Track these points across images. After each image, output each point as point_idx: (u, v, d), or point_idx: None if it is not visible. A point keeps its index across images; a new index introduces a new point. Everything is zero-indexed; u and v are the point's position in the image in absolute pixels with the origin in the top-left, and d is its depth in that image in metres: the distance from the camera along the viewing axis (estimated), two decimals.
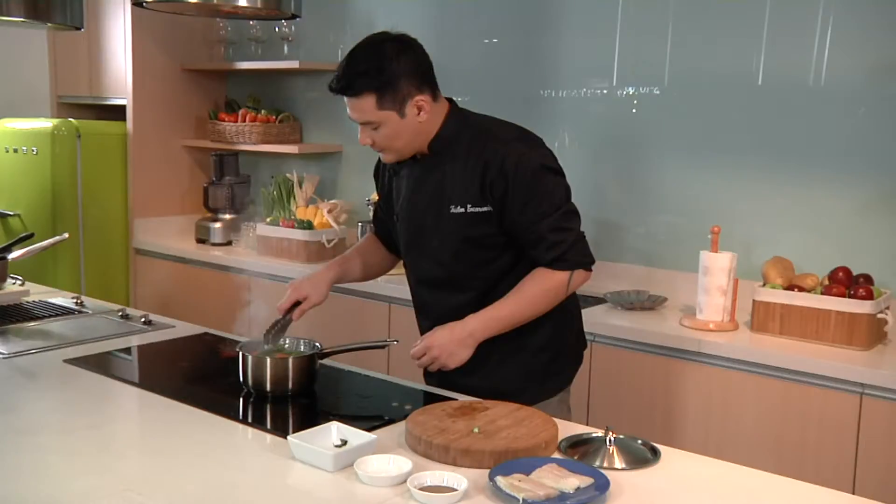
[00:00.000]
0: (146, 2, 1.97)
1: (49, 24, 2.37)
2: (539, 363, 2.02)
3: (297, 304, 2.06)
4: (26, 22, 2.35)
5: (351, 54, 1.85)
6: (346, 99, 1.86)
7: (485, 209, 1.89)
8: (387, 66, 1.82)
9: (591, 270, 1.95)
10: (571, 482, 1.43)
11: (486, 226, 1.90)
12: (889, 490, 2.27)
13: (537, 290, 1.90)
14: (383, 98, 1.83)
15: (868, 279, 2.56)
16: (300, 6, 2.05)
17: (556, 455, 1.60)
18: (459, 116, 1.96)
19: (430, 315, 2.04)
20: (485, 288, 1.95)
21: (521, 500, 1.36)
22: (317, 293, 2.07)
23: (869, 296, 2.43)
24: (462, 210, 1.90)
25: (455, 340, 1.89)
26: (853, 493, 2.05)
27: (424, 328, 2.06)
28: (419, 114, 1.87)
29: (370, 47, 1.86)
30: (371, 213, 3.46)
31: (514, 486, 1.40)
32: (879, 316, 2.45)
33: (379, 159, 2.11)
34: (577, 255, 1.90)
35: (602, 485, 1.43)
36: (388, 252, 2.24)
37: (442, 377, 2.00)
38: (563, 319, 2.04)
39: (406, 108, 1.86)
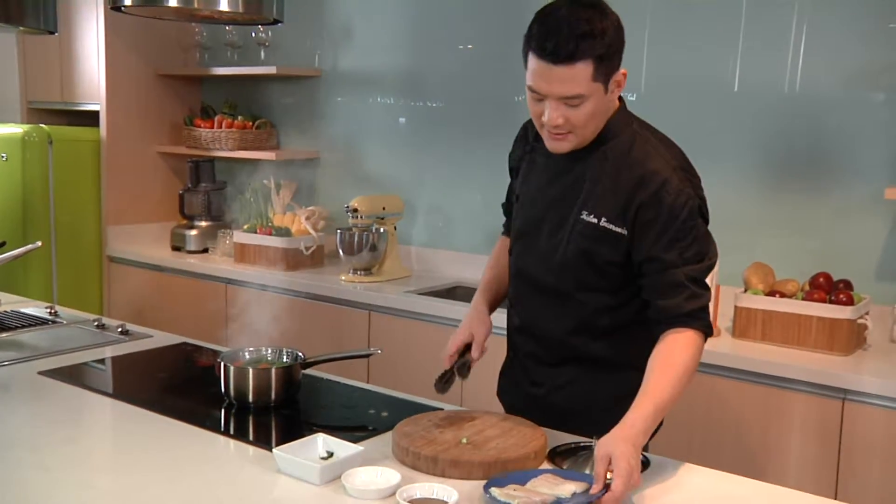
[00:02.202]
0: (124, 6, 1.93)
1: (21, 28, 2.32)
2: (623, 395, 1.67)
3: (467, 346, 1.81)
4: None
5: (567, 15, 1.56)
6: (548, 67, 1.56)
7: (618, 230, 1.65)
8: (608, 30, 1.56)
9: None
10: (568, 487, 1.42)
11: (611, 249, 1.67)
12: (871, 495, 2.28)
13: (687, 360, 1.57)
14: (600, 67, 1.56)
15: (848, 285, 2.58)
16: (282, 11, 2.02)
17: (546, 465, 1.59)
18: (626, 116, 1.72)
19: (522, 314, 1.85)
20: (582, 314, 1.73)
21: None
22: (483, 324, 1.83)
23: (850, 301, 2.45)
24: (594, 221, 1.67)
25: (636, 456, 1.45)
26: (835, 499, 2.06)
27: (513, 325, 1.88)
28: (615, 91, 1.64)
29: (586, 9, 1.57)
30: (349, 219, 3.44)
31: (508, 495, 1.39)
32: (860, 321, 2.47)
33: (521, 130, 1.87)
34: (709, 319, 1.64)
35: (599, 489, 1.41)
36: None
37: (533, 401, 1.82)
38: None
39: (610, 83, 1.61)
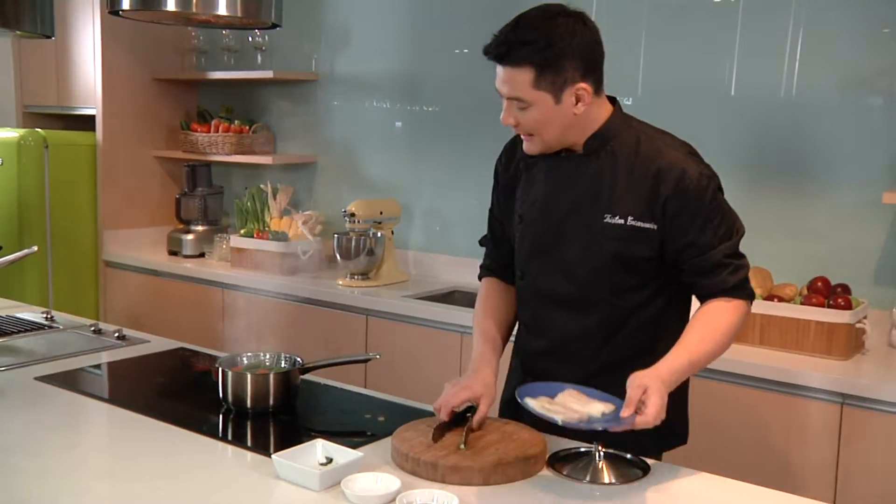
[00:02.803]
0: (122, 10, 1.93)
1: (18, 32, 2.31)
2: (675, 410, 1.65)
3: (470, 408, 1.70)
4: None
5: (519, 19, 1.62)
6: (498, 68, 1.63)
7: (648, 226, 1.64)
8: (556, 41, 1.59)
9: None
10: (596, 407, 1.50)
11: (642, 246, 1.66)
12: (870, 500, 2.28)
13: (729, 323, 1.63)
14: (542, 76, 1.59)
15: (846, 289, 2.58)
16: (280, 15, 2.02)
17: (546, 469, 1.58)
18: (623, 118, 1.72)
19: (547, 335, 1.78)
20: (614, 318, 1.71)
21: (560, 421, 1.45)
22: (489, 396, 1.70)
23: (848, 305, 2.45)
24: (621, 222, 1.65)
25: (665, 396, 1.51)
26: None
27: (535, 349, 1.81)
28: (577, 104, 1.63)
29: (542, 17, 1.62)
30: (347, 224, 3.43)
31: (547, 409, 1.44)
32: (858, 325, 2.47)
33: (504, 150, 1.87)
34: (750, 286, 1.69)
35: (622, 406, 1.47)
36: (510, 290, 1.89)
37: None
38: (687, 380, 1.79)
39: (564, 95, 1.61)
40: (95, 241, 4.17)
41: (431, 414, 1.85)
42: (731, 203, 2.91)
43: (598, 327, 1.73)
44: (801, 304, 2.52)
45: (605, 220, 1.67)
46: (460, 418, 1.70)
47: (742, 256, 1.69)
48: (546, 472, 1.58)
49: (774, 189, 2.90)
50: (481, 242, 1.98)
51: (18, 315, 2.68)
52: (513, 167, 1.83)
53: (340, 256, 3.46)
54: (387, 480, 1.46)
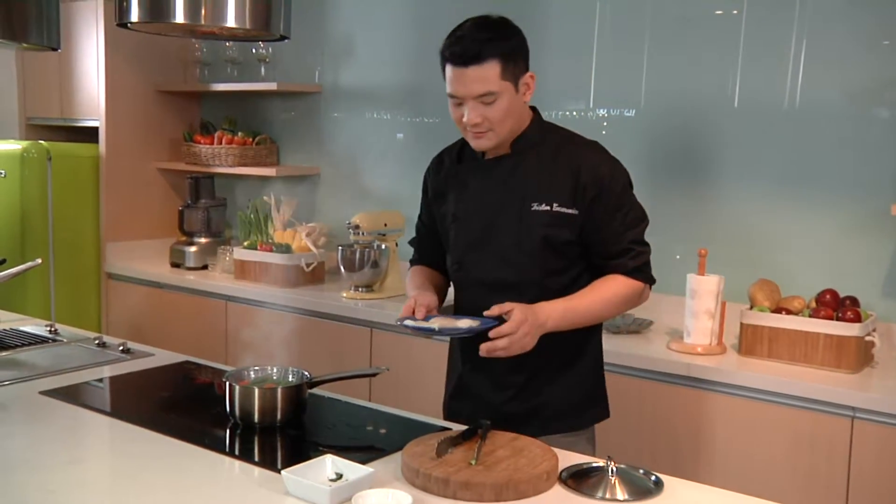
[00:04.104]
0: (130, 22, 1.92)
1: (24, 45, 2.30)
2: (583, 389, 1.98)
3: (480, 424, 1.75)
4: (1, 43, 2.28)
5: (473, 25, 1.80)
6: (461, 70, 1.78)
7: (571, 211, 1.85)
8: (511, 34, 1.81)
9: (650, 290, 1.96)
10: (464, 321, 1.77)
11: (566, 230, 1.86)
12: None
13: (616, 292, 1.87)
14: (507, 66, 1.78)
15: (854, 301, 2.56)
16: (289, 27, 2.01)
17: (558, 485, 1.57)
18: (543, 122, 1.95)
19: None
20: (544, 298, 1.84)
21: (437, 328, 1.74)
22: (430, 294, 1.93)
23: (857, 318, 2.44)
24: (547, 208, 1.85)
25: (535, 326, 1.75)
26: None
27: (463, 339, 1.96)
28: (525, 93, 1.85)
29: (489, 19, 1.82)
30: (350, 236, 3.42)
31: (422, 323, 1.75)
32: (867, 338, 2.45)
33: (432, 164, 2.08)
34: (650, 271, 1.92)
35: (487, 322, 1.73)
36: (437, 272, 2.11)
37: (476, 405, 1.94)
38: (600, 348, 2.03)
39: (519, 84, 1.82)
40: (98, 252, 4.16)
41: (441, 428, 1.84)
42: (733, 214, 2.95)
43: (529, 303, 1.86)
44: (810, 316, 2.51)
45: (533, 208, 1.86)
46: (466, 434, 1.68)
47: (645, 244, 1.91)
48: (558, 488, 1.56)
49: (779, 200, 2.89)
50: (410, 243, 2.21)
51: (22, 328, 2.66)
52: (443, 174, 2.03)
53: (344, 269, 3.44)
54: (398, 496, 1.44)
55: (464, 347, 2.00)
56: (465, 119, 1.82)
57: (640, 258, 1.88)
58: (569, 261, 1.90)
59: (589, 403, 2.00)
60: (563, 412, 1.95)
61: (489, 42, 1.76)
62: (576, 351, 1.95)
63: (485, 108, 1.80)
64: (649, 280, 1.92)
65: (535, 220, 1.86)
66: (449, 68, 1.81)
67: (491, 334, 1.71)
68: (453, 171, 2.00)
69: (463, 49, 1.77)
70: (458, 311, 1.99)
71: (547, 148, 1.89)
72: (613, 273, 1.88)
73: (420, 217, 2.14)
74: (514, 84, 1.81)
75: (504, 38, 1.79)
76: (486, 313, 1.75)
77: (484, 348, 1.72)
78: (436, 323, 1.79)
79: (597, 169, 1.85)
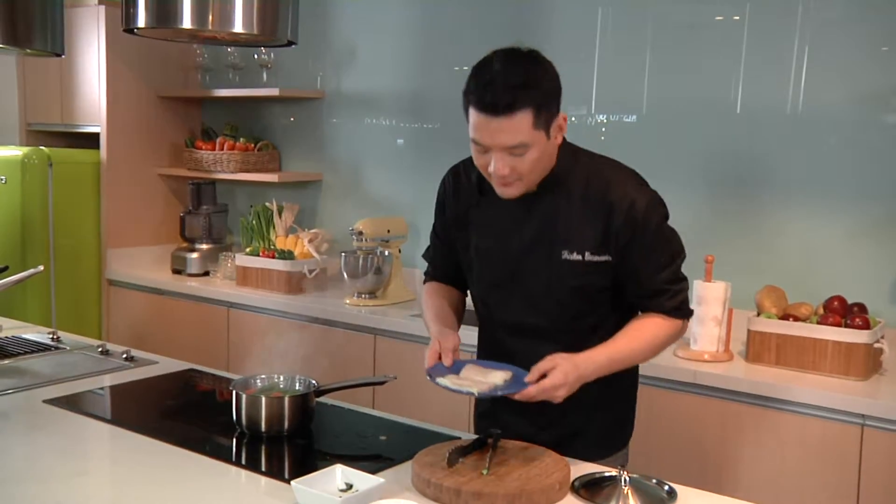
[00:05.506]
0: (137, 28, 1.90)
1: (28, 50, 2.29)
2: (621, 413, 1.92)
3: (490, 433, 1.72)
4: (4, 48, 2.27)
5: (501, 70, 1.59)
6: (489, 119, 1.59)
7: (604, 258, 1.72)
8: (545, 76, 1.63)
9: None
10: (498, 374, 1.65)
11: (600, 276, 1.73)
12: None
13: (657, 334, 1.75)
14: (539, 115, 1.60)
15: (862, 308, 2.55)
16: (296, 33, 1.99)
17: (571, 495, 1.55)
18: (570, 150, 1.76)
19: (513, 361, 1.78)
20: (575, 340, 1.74)
21: (476, 393, 1.60)
22: (453, 336, 1.77)
23: (866, 325, 2.42)
24: (579, 258, 1.71)
25: (577, 381, 1.63)
26: None
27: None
28: (557, 136, 1.68)
29: (521, 57, 1.63)
30: (353, 242, 3.40)
31: (460, 383, 1.59)
32: (876, 346, 2.44)
33: (448, 181, 1.90)
34: (688, 306, 1.80)
35: (521, 374, 1.63)
36: (455, 290, 1.98)
37: (506, 432, 1.73)
38: (637, 370, 1.95)
39: (552, 128, 1.65)
40: (99, 259, 4.14)
41: (450, 437, 1.82)
42: (738, 221, 2.94)
43: (558, 350, 1.72)
44: (818, 323, 2.49)
45: (564, 257, 1.73)
46: (477, 443, 1.67)
47: (682, 280, 1.78)
48: (571, 498, 1.55)
49: (784, 206, 2.88)
50: (425, 256, 2.05)
51: (24, 336, 2.64)
52: (462, 201, 1.86)
53: (348, 275, 3.42)
54: None
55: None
56: (490, 169, 1.65)
57: (678, 297, 1.76)
58: (600, 301, 1.78)
59: (626, 425, 1.94)
60: (601, 437, 1.85)
61: (523, 90, 1.58)
62: (614, 380, 1.78)
63: (513, 159, 1.63)
64: (687, 315, 1.80)
65: (566, 269, 1.73)
66: (474, 113, 1.61)
67: (532, 391, 1.59)
68: (474, 201, 1.83)
69: (493, 98, 1.57)
70: (482, 348, 1.91)
71: (576, 183, 1.73)
72: (650, 312, 1.76)
73: (434, 229, 2.00)
74: (547, 131, 1.64)
75: (538, 84, 1.60)
76: (527, 379, 1.61)
77: (520, 398, 1.61)
78: (469, 380, 1.64)
79: (631, 209, 1.69)
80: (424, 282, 2.03)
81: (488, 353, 1.87)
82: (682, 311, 1.78)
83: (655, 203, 1.74)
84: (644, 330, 1.76)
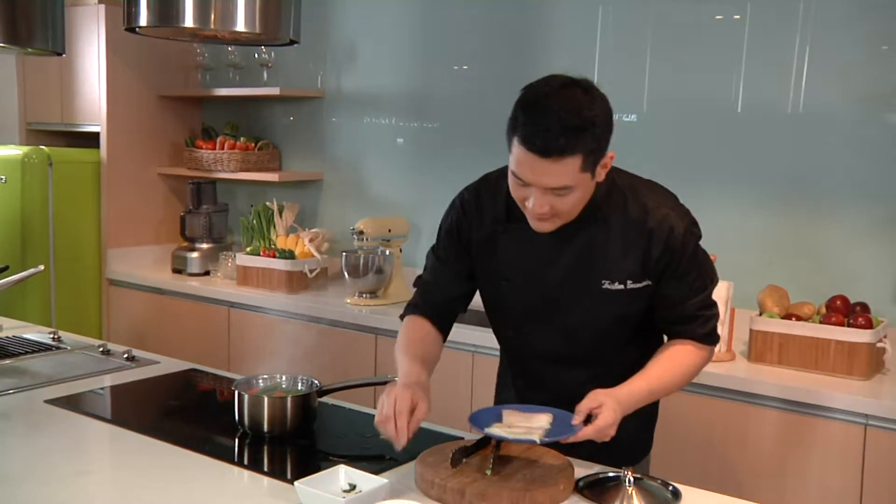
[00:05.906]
0: (139, 27, 1.90)
1: (29, 49, 2.28)
2: (649, 422, 1.91)
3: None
4: (5, 47, 2.26)
5: (559, 111, 1.49)
6: (537, 160, 1.50)
7: (645, 284, 1.68)
8: (600, 116, 1.53)
9: None
10: (541, 418, 1.61)
11: (640, 302, 1.70)
12: None
13: (692, 362, 1.72)
14: (589, 159, 1.52)
15: (865, 307, 2.55)
16: (298, 31, 1.99)
17: (575, 496, 1.54)
18: (608, 174, 1.65)
19: (548, 390, 1.79)
20: (607, 363, 1.75)
21: (538, 441, 1.53)
22: (426, 400, 1.66)
23: (868, 325, 2.42)
24: (620, 287, 1.66)
25: (622, 413, 1.59)
26: None
27: (540, 402, 1.74)
28: (601, 173, 1.60)
29: (576, 95, 1.52)
30: (354, 242, 3.40)
31: (515, 433, 1.55)
32: (879, 345, 2.44)
33: (468, 205, 1.78)
34: (716, 331, 1.77)
35: (564, 416, 1.59)
36: (437, 333, 1.86)
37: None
38: None
39: (598, 168, 1.58)
40: (99, 259, 4.13)
41: (453, 437, 1.81)
42: (740, 221, 2.93)
43: (593, 377, 1.71)
44: (820, 323, 2.49)
45: (605, 287, 1.68)
46: (480, 443, 1.66)
47: (713, 306, 1.75)
48: (575, 499, 1.54)
49: (786, 206, 2.88)
50: (415, 284, 1.90)
51: (25, 335, 2.63)
52: (487, 222, 1.76)
53: (349, 275, 3.42)
54: None
55: (521, 387, 1.86)
56: (528, 205, 1.58)
57: (709, 323, 1.73)
58: (640, 329, 1.76)
59: (651, 431, 1.93)
60: (630, 445, 1.78)
61: (575, 136, 1.48)
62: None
63: (554, 199, 1.55)
64: (716, 342, 1.77)
65: (607, 298, 1.68)
66: (520, 150, 1.52)
67: (590, 433, 1.54)
68: (501, 228, 1.74)
69: (545, 142, 1.48)
70: (509, 373, 1.88)
71: (613, 209, 1.67)
72: (681, 338, 1.73)
73: (436, 253, 1.85)
74: (593, 172, 1.57)
75: (592, 128, 1.51)
76: (575, 421, 1.56)
77: (575, 440, 1.56)
78: (517, 426, 1.59)
79: (669, 236, 1.65)
80: (405, 314, 1.88)
81: (519, 382, 1.85)
82: (712, 338, 1.74)
83: (691, 226, 1.70)
84: (678, 358, 1.72)
